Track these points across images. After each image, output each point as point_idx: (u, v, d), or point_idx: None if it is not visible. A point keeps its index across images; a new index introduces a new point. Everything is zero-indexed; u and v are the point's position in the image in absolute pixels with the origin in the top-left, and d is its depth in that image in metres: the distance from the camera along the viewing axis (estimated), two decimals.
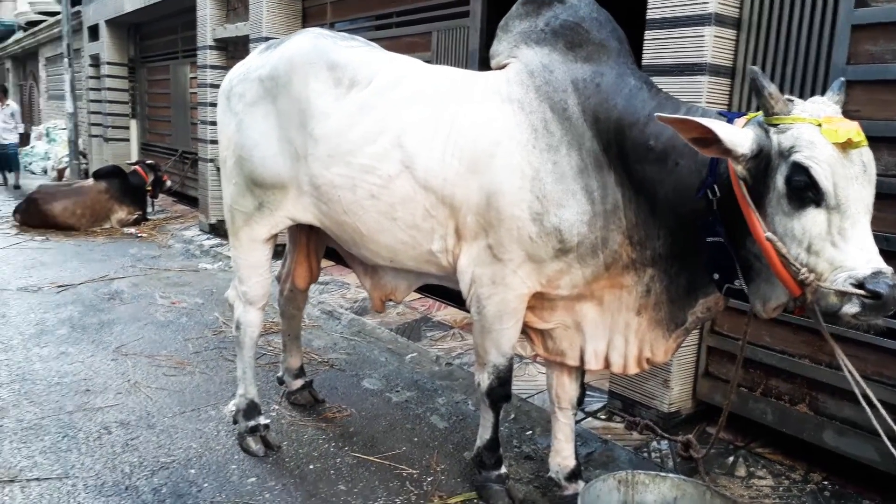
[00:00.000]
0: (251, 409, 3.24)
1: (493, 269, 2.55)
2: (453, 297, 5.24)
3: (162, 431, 3.36)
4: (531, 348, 2.84)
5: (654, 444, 3.23)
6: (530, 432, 3.45)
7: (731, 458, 3.09)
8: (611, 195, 2.37)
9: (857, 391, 2.00)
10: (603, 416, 3.49)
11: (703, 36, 3.07)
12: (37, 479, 2.90)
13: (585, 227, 2.37)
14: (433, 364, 4.28)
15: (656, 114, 2.06)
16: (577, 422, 3.39)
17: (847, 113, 2.72)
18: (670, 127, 2.15)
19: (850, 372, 2.00)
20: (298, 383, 3.71)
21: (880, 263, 1.83)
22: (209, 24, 7.96)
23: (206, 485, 2.91)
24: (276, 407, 3.66)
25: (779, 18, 3.04)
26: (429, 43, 5.29)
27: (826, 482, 2.92)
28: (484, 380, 2.73)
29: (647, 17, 3.29)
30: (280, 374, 3.75)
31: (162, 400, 3.71)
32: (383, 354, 4.51)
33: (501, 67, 2.65)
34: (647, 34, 3.29)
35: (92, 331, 4.79)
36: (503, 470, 2.87)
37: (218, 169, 8.11)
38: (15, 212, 8.65)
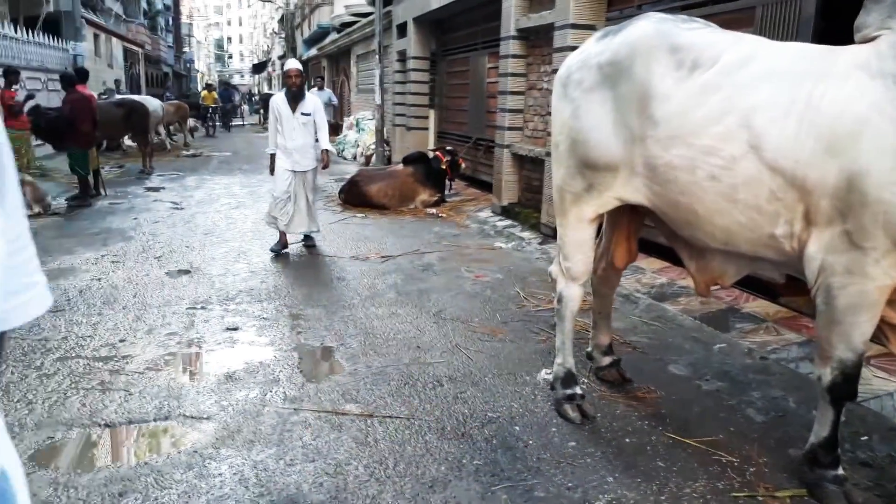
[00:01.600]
0: (569, 379, 3.44)
1: (850, 257, 2.40)
2: (763, 288, 4.96)
3: (485, 389, 3.71)
4: (886, 346, 2.61)
5: None
6: (865, 438, 3.17)
7: None
8: None
9: None
10: None
11: None
12: (390, 417, 3.39)
13: None
14: (745, 356, 4.12)
15: None
16: None
17: None
18: None
19: None
20: (607, 360, 3.83)
21: None
22: (513, 14, 8.37)
23: (531, 441, 3.16)
24: (585, 381, 3.82)
25: None
26: (752, 18, 5.02)
27: None
28: (826, 374, 2.60)
29: None
30: (589, 349, 3.91)
31: (481, 361, 4.09)
32: (687, 342, 4.44)
33: (869, 41, 2.46)
34: None
35: (414, 296, 5.41)
36: (840, 471, 2.70)
37: (513, 155, 8.59)
38: (340, 192, 10.03)
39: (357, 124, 18.35)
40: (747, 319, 4.62)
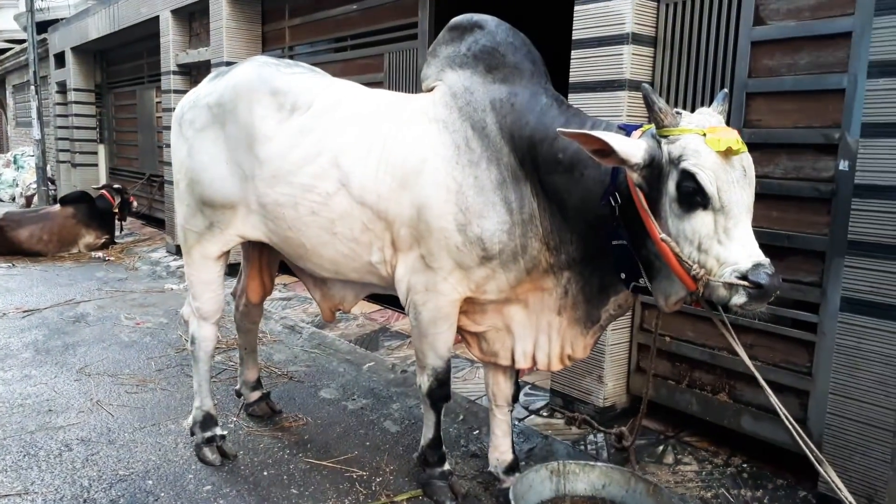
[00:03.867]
0: (207, 421, 3.38)
1: (426, 276, 2.72)
2: None
3: (122, 446, 3.47)
4: (469, 350, 3.01)
5: (591, 437, 3.42)
6: (477, 432, 3.62)
7: (661, 447, 3.29)
8: (527, 205, 2.56)
9: (754, 372, 2.20)
10: (545, 414, 3.68)
11: (621, 54, 3.30)
12: None
13: (505, 236, 2.56)
14: (389, 372, 4.44)
15: (558, 129, 2.27)
16: (520, 419, 3.59)
17: (749, 122, 2.99)
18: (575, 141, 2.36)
19: (743, 355, 2.21)
20: (256, 395, 3.84)
21: (760, 257, 2.04)
22: (172, 49, 8.12)
23: (162, 494, 3.03)
24: (234, 419, 3.79)
25: (689, 36, 3.28)
26: (381, 64, 5.50)
27: (745, 465, 3.12)
28: (424, 382, 2.90)
29: (573, 38, 3.51)
30: (238, 387, 3.89)
31: (123, 417, 3.83)
32: (342, 365, 4.66)
33: (431, 90, 2.84)
34: (573, 53, 3.51)
35: (56, 353, 4.88)
36: (446, 467, 3.04)
37: None
38: None
39: (15, 161, 16.16)
40: (395, 337, 5.01)
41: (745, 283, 2.00)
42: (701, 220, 2.09)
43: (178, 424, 3.72)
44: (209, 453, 3.31)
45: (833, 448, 2.63)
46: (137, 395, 4.14)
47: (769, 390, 2.20)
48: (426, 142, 2.67)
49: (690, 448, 3.28)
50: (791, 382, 2.93)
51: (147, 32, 9.21)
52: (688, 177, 2.07)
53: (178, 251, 8.31)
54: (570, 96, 3.42)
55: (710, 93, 3.20)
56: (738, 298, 2.04)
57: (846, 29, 2.72)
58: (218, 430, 3.38)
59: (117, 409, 3.93)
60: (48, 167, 13.63)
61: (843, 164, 2.72)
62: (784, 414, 2.18)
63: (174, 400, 4.08)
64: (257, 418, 3.80)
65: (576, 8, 3.46)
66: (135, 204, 9.53)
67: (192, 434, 3.41)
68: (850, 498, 2.12)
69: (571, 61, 3.50)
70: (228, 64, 6.77)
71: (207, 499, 3.01)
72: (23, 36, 15.99)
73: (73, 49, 11.97)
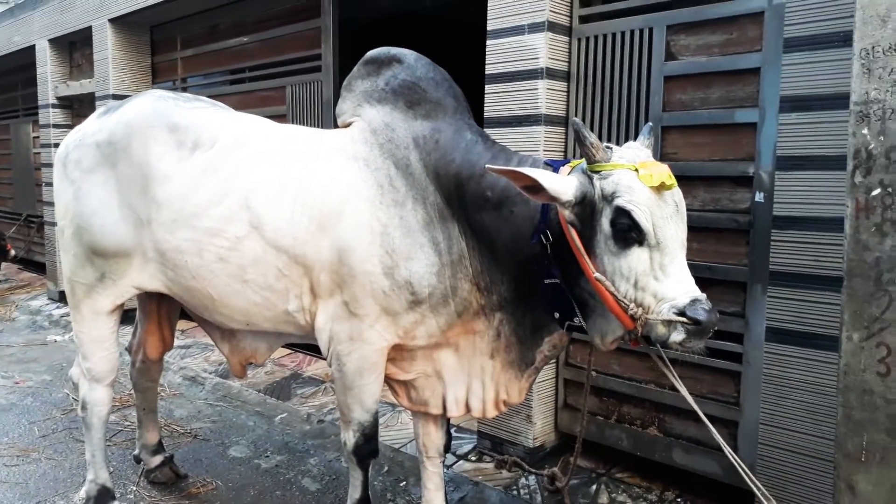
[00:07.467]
0: (103, 496, 3.04)
1: (351, 324, 2.54)
2: None
3: None
4: (397, 400, 2.84)
5: (523, 480, 3.31)
6: (404, 483, 3.43)
7: (594, 486, 3.22)
8: (456, 245, 2.44)
9: (697, 410, 2.15)
10: (473, 458, 3.54)
11: (536, 89, 3.27)
12: None
13: (434, 278, 2.43)
14: (304, 423, 4.18)
15: (486, 165, 2.18)
16: (448, 466, 3.44)
17: (665, 155, 3.01)
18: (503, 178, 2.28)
19: (684, 391, 2.16)
20: (157, 460, 3.50)
21: (697, 292, 2.00)
22: (51, 81, 7.57)
23: None
24: (134, 488, 3.43)
25: (602, 71, 3.31)
26: (283, 97, 5.29)
27: (679, 499, 3.11)
28: (350, 438, 2.70)
29: (486, 73, 3.46)
30: (136, 451, 3.52)
31: (1, 495, 3.37)
32: (251, 418, 4.34)
33: (347, 126, 2.69)
34: (487, 88, 3.46)
35: None
36: None
37: None
38: None
39: None
40: (308, 383, 4.74)
41: (684, 318, 1.96)
42: (637, 257, 2.04)
43: (68, 500, 3.32)
44: None
45: (766, 479, 2.63)
46: (18, 468, 3.67)
47: (710, 425, 2.16)
48: (346, 181, 2.51)
49: (623, 485, 3.23)
50: (719, 413, 2.94)
51: (21, 63, 8.56)
52: (623, 213, 2.02)
53: (60, 298, 7.67)
54: (486, 131, 3.35)
55: (625, 126, 3.22)
56: (677, 335, 2.00)
57: (755, 65, 2.80)
58: None
59: None
60: None
61: (759, 196, 2.78)
62: (728, 451, 2.14)
63: (62, 471, 3.65)
64: (160, 485, 3.45)
65: (488, 42, 3.42)
66: (12, 252, 8.71)
67: None
68: None
69: (486, 96, 3.45)
70: (115, 97, 6.38)
71: None
72: None
73: None
